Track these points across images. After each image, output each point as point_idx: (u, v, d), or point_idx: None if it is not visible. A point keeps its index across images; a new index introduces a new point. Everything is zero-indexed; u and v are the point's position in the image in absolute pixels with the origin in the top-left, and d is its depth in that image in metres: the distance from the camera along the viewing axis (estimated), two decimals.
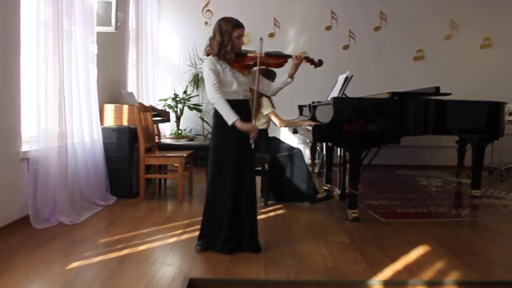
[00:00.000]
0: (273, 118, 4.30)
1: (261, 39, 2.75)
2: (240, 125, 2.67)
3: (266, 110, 4.30)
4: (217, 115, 2.79)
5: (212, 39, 2.79)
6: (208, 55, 2.82)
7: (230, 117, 2.67)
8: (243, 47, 2.84)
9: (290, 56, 2.86)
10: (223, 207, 2.78)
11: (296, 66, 2.85)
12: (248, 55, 2.82)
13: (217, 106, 2.71)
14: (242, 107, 2.77)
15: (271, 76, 4.19)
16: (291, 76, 2.88)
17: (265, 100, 4.30)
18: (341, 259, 2.69)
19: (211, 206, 2.83)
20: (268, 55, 2.84)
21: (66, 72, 3.60)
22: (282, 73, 2.97)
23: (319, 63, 2.97)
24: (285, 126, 4.51)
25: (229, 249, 2.74)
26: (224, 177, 2.78)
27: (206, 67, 2.74)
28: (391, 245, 3.01)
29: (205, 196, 2.89)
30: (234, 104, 2.72)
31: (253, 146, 2.75)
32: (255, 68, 2.82)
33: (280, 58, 2.85)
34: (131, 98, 5.17)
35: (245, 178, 2.79)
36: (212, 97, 2.70)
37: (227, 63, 2.78)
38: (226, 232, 2.76)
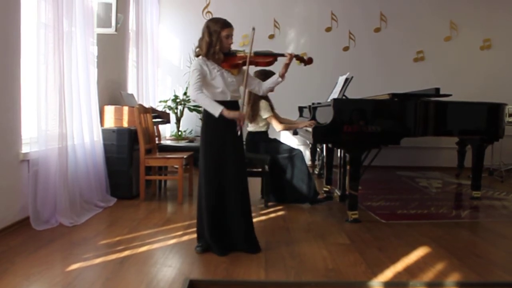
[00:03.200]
0: (273, 123, 4.30)
1: (253, 28, 2.78)
2: (227, 113, 2.68)
3: (265, 114, 4.29)
4: (204, 118, 2.82)
5: (201, 39, 2.79)
6: (197, 56, 2.82)
7: (215, 109, 2.68)
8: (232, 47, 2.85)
9: (280, 55, 2.88)
10: (206, 207, 2.77)
11: (287, 65, 2.86)
12: (238, 54, 2.82)
13: (200, 103, 2.75)
14: (230, 108, 2.74)
15: (269, 77, 4.18)
16: (282, 76, 2.88)
17: (263, 104, 4.28)
18: (341, 260, 2.69)
19: (199, 206, 2.86)
20: (257, 54, 2.84)
21: (66, 74, 3.60)
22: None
23: (308, 61, 3.01)
24: (284, 130, 4.51)
25: (219, 250, 2.72)
26: (208, 177, 2.78)
27: (192, 67, 2.77)
28: (391, 246, 3.01)
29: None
30: (222, 105, 2.71)
31: (239, 133, 2.76)
32: (244, 67, 2.82)
33: (269, 57, 2.86)
34: (131, 100, 5.17)
35: (232, 178, 2.77)
36: (192, 96, 2.73)
37: (216, 63, 2.78)
38: (209, 232, 2.75)
